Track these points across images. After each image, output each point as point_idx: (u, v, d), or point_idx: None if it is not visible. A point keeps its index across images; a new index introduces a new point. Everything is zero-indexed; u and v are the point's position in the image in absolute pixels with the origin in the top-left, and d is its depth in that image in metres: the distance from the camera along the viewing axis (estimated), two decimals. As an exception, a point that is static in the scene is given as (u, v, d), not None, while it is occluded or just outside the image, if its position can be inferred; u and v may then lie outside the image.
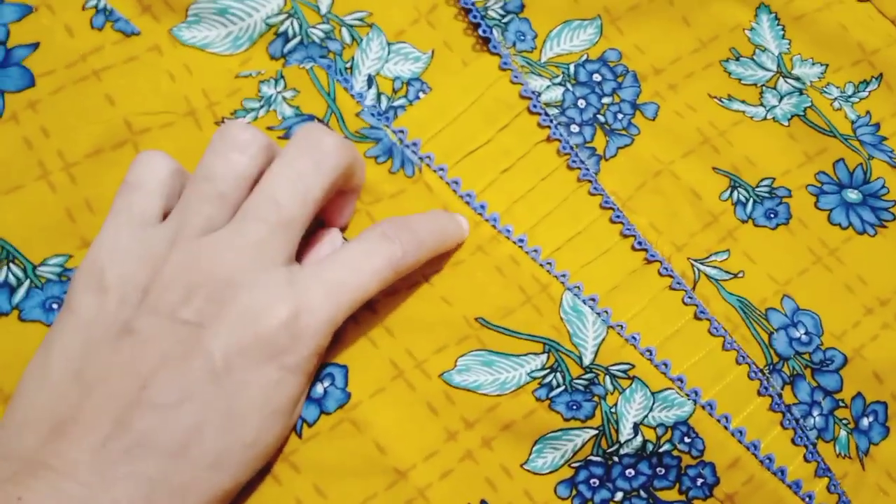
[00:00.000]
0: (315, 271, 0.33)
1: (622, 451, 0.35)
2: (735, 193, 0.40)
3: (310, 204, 0.33)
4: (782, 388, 0.37)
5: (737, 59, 0.42)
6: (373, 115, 0.38)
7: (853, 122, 0.42)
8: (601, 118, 0.40)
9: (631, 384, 0.36)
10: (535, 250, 0.37)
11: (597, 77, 0.41)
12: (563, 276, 0.37)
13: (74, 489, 0.28)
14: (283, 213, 0.32)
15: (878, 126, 0.42)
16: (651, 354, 0.36)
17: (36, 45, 0.37)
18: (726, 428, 0.36)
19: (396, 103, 0.39)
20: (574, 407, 0.35)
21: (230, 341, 0.30)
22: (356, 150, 0.35)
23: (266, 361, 0.31)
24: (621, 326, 0.37)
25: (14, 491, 0.28)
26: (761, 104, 0.42)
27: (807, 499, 0.36)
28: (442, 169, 0.38)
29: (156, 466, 0.29)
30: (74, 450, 0.29)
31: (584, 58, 0.41)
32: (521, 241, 0.37)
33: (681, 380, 0.36)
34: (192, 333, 0.30)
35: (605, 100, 0.40)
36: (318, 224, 0.36)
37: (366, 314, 0.36)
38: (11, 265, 0.35)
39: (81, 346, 0.31)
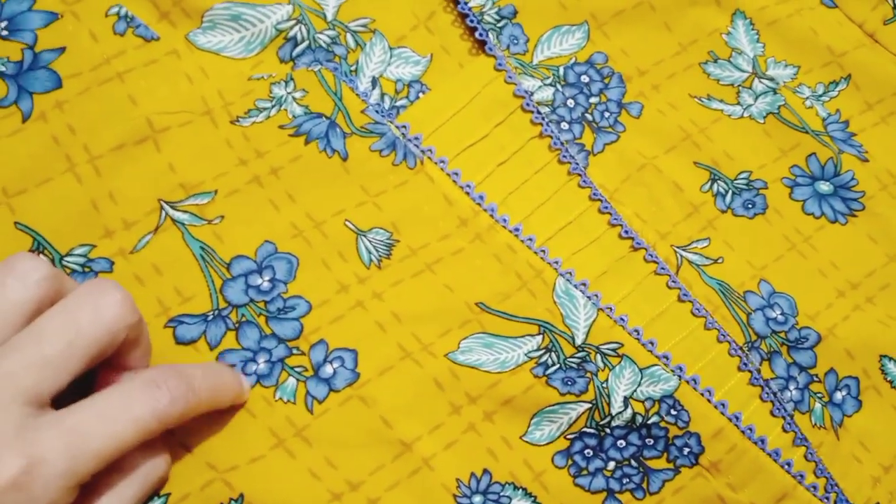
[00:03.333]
0: (58, 417, 0.29)
1: (614, 424, 0.37)
2: (715, 185, 0.42)
3: (80, 349, 0.30)
4: (760, 364, 0.39)
5: (715, 62, 0.45)
6: (377, 112, 0.41)
7: (824, 120, 0.45)
8: (589, 116, 0.43)
9: (620, 361, 0.38)
10: (531, 238, 0.40)
11: (585, 78, 0.43)
12: (556, 262, 0.40)
13: None
14: (45, 350, 0.30)
15: (847, 123, 0.45)
16: (638, 334, 0.39)
17: (62, 50, 0.39)
18: (709, 401, 0.38)
19: (398, 103, 0.42)
20: (569, 382, 0.38)
21: None
22: (144, 325, 0.34)
23: None
24: (610, 309, 0.39)
25: None
26: (738, 103, 0.45)
27: (786, 466, 0.38)
28: (443, 161, 0.40)
29: None
30: None
31: (573, 60, 0.44)
32: (517, 229, 0.40)
33: (666, 357, 0.38)
34: None
35: (593, 99, 0.43)
36: None
37: (373, 302, 0.38)
38: (41, 255, 0.37)
39: None
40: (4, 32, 0.39)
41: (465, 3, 0.43)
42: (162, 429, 0.31)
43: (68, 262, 0.37)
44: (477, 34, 0.42)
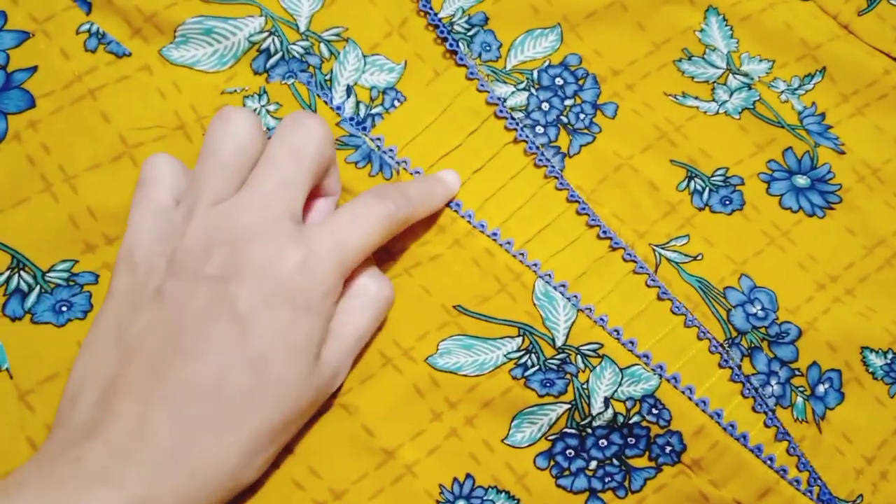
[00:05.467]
0: (320, 224, 0.36)
1: (595, 424, 0.38)
2: (692, 183, 0.43)
3: (306, 166, 0.36)
4: (741, 360, 0.39)
5: (689, 59, 0.45)
6: (352, 124, 0.41)
7: (800, 113, 0.45)
8: (564, 119, 0.43)
9: (600, 362, 0.38)
10: (509, 242, 0.40)
11: (559, 81, 0.43)
12: (535, 265, 0.40)
13: (124, 441, 0.31)
14: (283, 173, 0.35)
15: (823, 116, 0.45)
16: (618, 334, 0.39)
17: (34, 69, 0.40)
18: (690, 399, 0.38)
19: (374, 111, 0.42)
20: (548, 384, 0.38)
21: (251, 287, 0.33)
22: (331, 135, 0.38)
23: (282, 303, 0.33)
24: (590, 309, 0.39)
25: (73, 453, 0.31)
26: (713, 100, 0.45)
27: (768, 461, 0.38)
28: (418, 172, 0.41)
29: (191, 409, 0.32)
30: (121, 408, 0.32)
31: (547, 63, 0.44)
32: (495, 234, 0.40)
33: (647, 356, 0.39)
34: (216, 286, 0.33)
35: (568, 102, 0.43)
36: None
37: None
38: (22, 272, 0.37)
39: (119, 318, 0.34)
40: (-23, 54, 0.39)
41: (436, 14, 0.43)
42: (394, 230, 0.37)
43: (51, 277, 0.37)
44: (448, 45, 0.43)
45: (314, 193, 0.38)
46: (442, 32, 0.43)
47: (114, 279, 0.35)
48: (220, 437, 0.32)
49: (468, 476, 0.37)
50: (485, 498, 0.37)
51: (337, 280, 0.35)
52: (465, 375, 0.38)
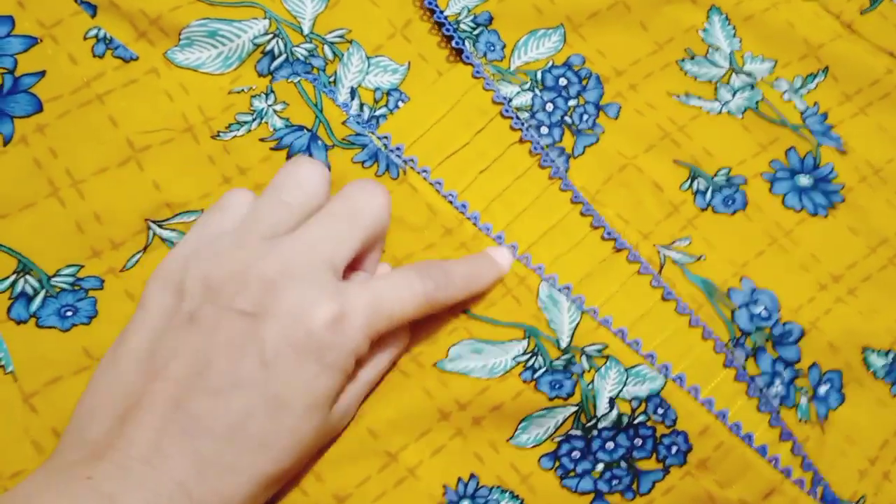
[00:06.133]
0: (360, 283, 0.36)
1: (600, 425, 0.38)
2: (695, 183, 0.43)
3: (360, 227, 0.37)
4: (746, 361, 0.40)
5: (692, 59, 0.46)
6: (358, 123, 0.41)
7: (802, 113, 0.45)
8: (568, 119, 0.43)
9: (605, 362, 0.38)
10: (514, 246, 0.40)
11: (563, 81, 0.44)
12: (539, 268, 0.40)
13: (136, 466, 0.31)
14: (337, 228, 0.36)
15: (825, 115, 0.45)
16: (623, 334, 0.39)
17: (42, 74, 0.40)
18: (696, 399, 0.38)
19: (378, 112, 0.42)
20: (556, 386, 0.38)
21: (281, 333, 0.33)
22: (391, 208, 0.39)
23: (309, 355, 0.33)
24: (594, 311, 0.39)
25: (84, 472, 0.31)
26: (716, 99, 0.45)
27: (773, 461, 0.38)
28: (425, 171, 0.41)
29: (208, 446, 0.32)
30: (138, 431, 0.32)
31: (550, 64, 0.44)
32: (500, 237, 0.40)
33: (651, 356, 0.39)
34: (248, 324, 0.33)
35: (571, 102, 0.43)
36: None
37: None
38: (28, 276, 0.38)
39: (150, 338, 0.34)
40: (-17, 58, 0.40)
41: (441, 12, 0.43)
42: (430, 310, 0.37)
43: (56, 282, 0.38)
44: (453, 43, 0.43)
45: (358, 259, 0.38)
46: (448, 31, 0.43)
47: (150, 293, 0.35)
48: (231, 476, 0.33)
49: (472, 476, 0.37)
50: (489, 497, 0.37)
51: (364, 343, 0.35)
52: (476, 378, 0.38)
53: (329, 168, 0.40)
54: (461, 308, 0.39)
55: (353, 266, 0.38)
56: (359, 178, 0.39)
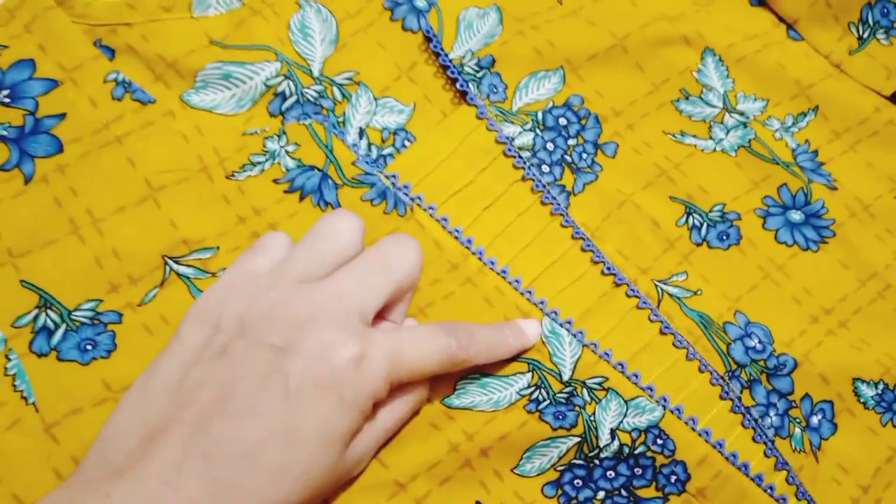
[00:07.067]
0: (386, 331, 0.37)
1: (602, 455, 0.39)
2: (690, 219, 0.44)
3: (391, 279, 0.38)
4: (741, 392, 0.41)
5: (686, 99, 0.47)
6: (367, 162, 0.43)
7: (793, 150, 0.47)
8: (568, 158, 0.44)
9: (606, 395, 0.40)
10: (517, 280, 0.42)
11: (562, 121, 0.45)
12: (542, 302, 0.41)
13: (155, 486, 0.33)
14: (369, 277, 0.38)
15: (816, 153, 0.47)
16: (623, 367, 0.40)
17: (63, 116, 0.41)
18: (694, 429, 0.40)
19: (385, 151, 0.43)
20: (560, 417, 0.39)
21: (305, 367, 0.35)
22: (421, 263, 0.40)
23: (329, 391, 0.35)
24: (595, 345, 0.41)
25: (103, 488, 0.32)
26: (710, 137, 0.46)
27: (769, 490, 0.40)
28: (432, 208, 0.42)
29: (227, 470, 0.33)
30: (159, 453, 0.33)
31: (551, 104, 0.45)
32: (504, 272, 0.42)
33: (651, 388, 0.40)
34: (275, 356, 0.35)
35: (571, 141, 0.45)
36: None
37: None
38: (49, 311, 0.39)
39: (182, 367, 0.36)
40: (6, 100, 0.41)
41: (447, 55, 0.44)
42: (450, 368, 0.38)
43: (77, 315, 0.39)
44: (458, 85, 0.44)
45: (386, 308, 0.39)
46: (453, 73, 0.44)
47: (186, 325, 0.37)
48: (243, 502, 0.33)
49: (478, 503, 0.39)
50: (495, 526, 0.39)
51: (383, 386, 0.36)
52: (481, 411, 0.39)
53: (339, 207, 0.41)
54: None
55: (380, 315, 0.39)
56: (395, 233, 0.41)
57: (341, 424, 0.35)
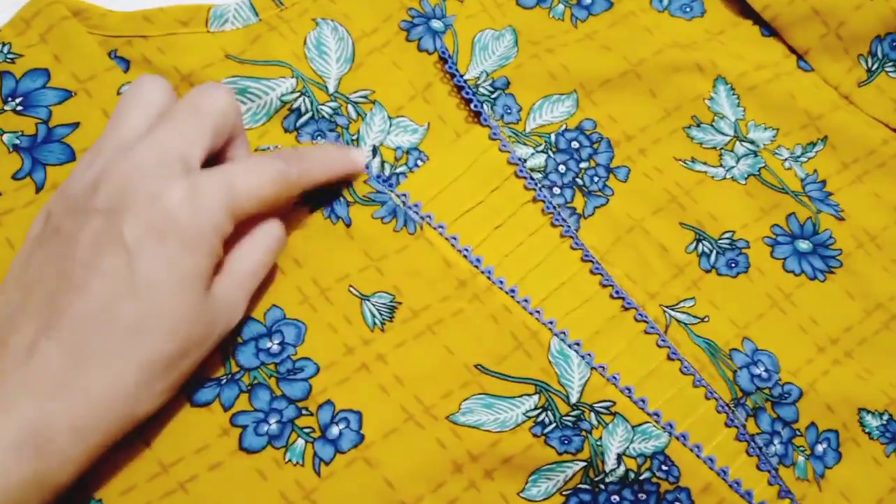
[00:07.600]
0: (215, 169, 0.37)
1: (608, 480, 0.39)
2: (700, 246, 0.44)
3: (203, 122, 0.37)
4: (746, 420, 0.41)
5: (698, 126, 0.47)
6: (379, 181, 0.43)
7: (802, 180, 0.47)
8: (579, 181, 0.45)
9: (613, 419, 0.40)
10: (526, 300, 0.42)
11: (575, 144, 0.45)
12: (551, 323, 0.41)
13: (15, 370, 0.33)
14: (181, 125, 0.37)
15: (824, 183, 0.47)
16: (630, 392, 0.41)
17: (76, 125, 0.41)
18: (698, 456, 0.40)
19: (398, 170, 0.43)
20: (566, 441, 0.39)
21: (139, 220, 0.34)
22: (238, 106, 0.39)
23: (169, 235, 0.34)
24: (603, 368, 0.41)
25: None
26: (721, 165, 0.47)
27: (771, 518, 0.40)
28: (441, 226, 0.42)
29: (83, 338, 0.33)
30: (14, 339, 0.34)
31: (563, 127, 0.46)
32: (513, 291, 0.42)
33: (657, 414, 0.40)
34: (105, 219, 0.34)
35: (583, 164, 0.45)
36: None
37: (377, 364, 0.40)
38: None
39: (24, 259, 0.36)
40: (19, 108, 0.41)
41: (462, 76, 0.45)
42: (287, 192, 0.38)
43: None
44: (472, 105, 0.45)
45: (219, 159, 0.39)
46: (467, 94, 0.45)
47: (30, 229, 0.37)
48: (111, 365, 0.34)
49: None
50: (501, 548, 0.39)
51: (224, 217, 0.36)
52: (487, 431, 0.39)
53: (350, 223, 0.41)
54: (473, 362, 0.40)
55: (229, 156, 0.39)
56: (199, 84, 0.40)
57: (189, 265, 0.35)
